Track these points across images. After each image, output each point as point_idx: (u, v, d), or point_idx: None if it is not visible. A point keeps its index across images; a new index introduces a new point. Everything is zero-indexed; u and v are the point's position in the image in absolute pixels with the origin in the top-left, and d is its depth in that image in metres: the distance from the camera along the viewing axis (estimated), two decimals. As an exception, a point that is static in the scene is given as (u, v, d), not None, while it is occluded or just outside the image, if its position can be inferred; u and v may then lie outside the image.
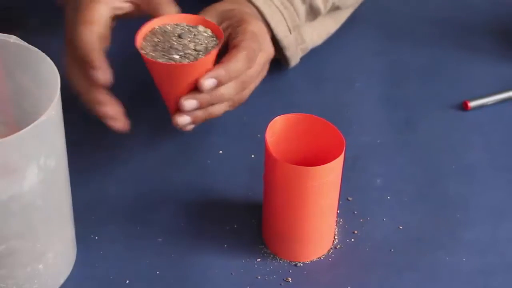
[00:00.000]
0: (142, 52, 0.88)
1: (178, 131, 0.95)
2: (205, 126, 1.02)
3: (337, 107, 1.08)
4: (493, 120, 1.07)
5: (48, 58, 0.79)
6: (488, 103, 1.09)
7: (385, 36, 1.21)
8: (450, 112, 1.08)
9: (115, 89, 1.07)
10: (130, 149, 1.01)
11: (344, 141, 0.84)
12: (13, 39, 0.81)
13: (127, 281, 0.87)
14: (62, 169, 0.81)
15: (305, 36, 1.08)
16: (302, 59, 1.11)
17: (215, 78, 0.89)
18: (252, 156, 1.00)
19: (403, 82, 1.13)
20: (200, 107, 0.91)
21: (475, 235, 0.92)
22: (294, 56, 1.08)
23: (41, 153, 0.75)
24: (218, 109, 0.94)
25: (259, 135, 1.00)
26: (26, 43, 0.80)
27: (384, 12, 1.25)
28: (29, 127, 0.72)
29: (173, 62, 0.88)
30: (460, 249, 0.91)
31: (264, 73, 1.00)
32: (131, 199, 0.96)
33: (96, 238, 0.91)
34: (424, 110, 1.09)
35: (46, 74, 0.78)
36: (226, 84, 0.92)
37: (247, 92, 0.96)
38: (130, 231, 0.92)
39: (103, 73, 0.89)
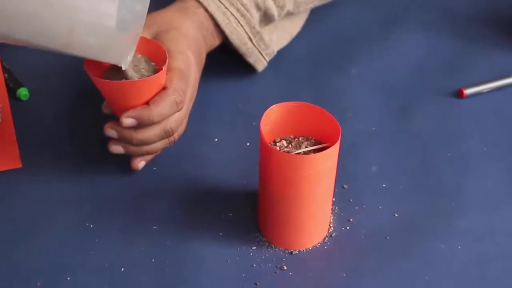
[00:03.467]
0: (88, 71, 0.87)
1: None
2: (200, 114, 1.02)
3: (332, 94, 1.08)
4: (489, 108, 1.07)
5: None
6: (484, 91, 1.09)
7: (382, 23, 1.20)
8: (446, 100, 1.08)
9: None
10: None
11: (340, 129, 0.84)
12: None
13: (122, 269, 0.87)
14: None
15: (267, 41, 1.06)
16: (297, 46, 1.11)
17: (136, 118, 0.88)
18: (248, 144, 1.00)
19: (399, 69, 1.13)
20: (123, 140, 0.91)
21: (470, 223, 0.93)
22: (259, 61, 1.07)
23: None
24: (154, 147, 0.93)
25: (254, 123, 1.00)
26: None
27: (380, -1, 1.25)
28: None
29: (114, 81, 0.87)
30: (455, 237, 0.91)
31: (194, 96, 0.96)
32: (126, 187, 0.96)
33: (91, 226, 0.91)
34: (420, 97, 1.09)
35: None
36: (150, 128, 0.90)
37: (181, 130, 0.94)
38: (125, 219, 0.92)
39: None
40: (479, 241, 0.91)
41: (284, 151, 0.86)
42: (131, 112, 0.88)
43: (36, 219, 0.92)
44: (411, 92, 1.09)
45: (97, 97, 1.06)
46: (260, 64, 1.07)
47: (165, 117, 0.90)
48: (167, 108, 0.89)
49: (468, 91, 1.08)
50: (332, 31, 1.16)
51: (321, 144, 0.88)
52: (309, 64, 1.13)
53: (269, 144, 0.85)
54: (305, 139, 0.89)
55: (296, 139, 0.89)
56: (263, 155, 0.85)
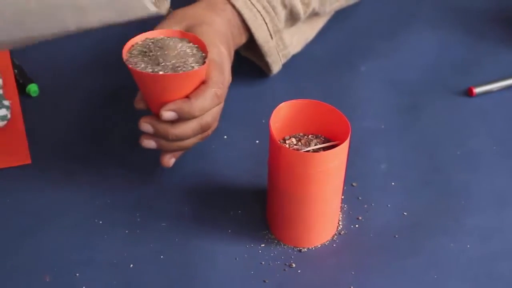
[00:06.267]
0: (128, 64, 0.87)
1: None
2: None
3: (342, 92, 1.08)
4: (498, 107, 1.07)
5: None
6: (493, 90, 1.09)
7: (391, 21, 1.20)
8: (455, 98, 1.08)
9: (125, 85, 1.08)
10: (134, 134, 1.01)
11: (350, 127, 0.84)
12: None
13: (131, 265, 0.87)
14: None
15: (286, 42, 1.05)
16: (307, 44, 1.11)
17: (176, 112, 0.86)
18: (257, 141, 1.00)
19: (409, 67, 1.13)
20: (158, 135, 0.89)
21: (479, 222, 0.92)
22: (276, 62, 1.06)
23: None
24: (187, 143, 0.91)
25: (263, 121, 1.00)
26: None
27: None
28: None
29: (159, 73, 0.85)
30: (464, 236, 0.91)
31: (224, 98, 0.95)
32: (135, 184, 0.96)
33: (100, 222, 0.92)
34: (429, 95, 1.08)
35: None
36: (186, 123, 0.88)
37: (214, 126, 0.93)
38: (134, 216, 0.92)
39: None
40: (488, 239, 0.91)
41: (293, 149, 0.86)
42: (171, 105, 0.86)
43: (46, 215, 0.92)
44: (421, 90, 1.09)
45: (107, 94, 1.06)
46: (276, 66, 1.06)
47: (206, 111, 0.88)
48: (208, 101, 0.87)
49: (478, 90, 1.08)
50: (342, 29, 1.16)
51: (330, 142, 0.88)
52: (318, 61, 1.13)
53: (279, 142, 0.85)
54: (314, 136, 0.89)
55: (306, 136, 0.89)
56: (273, 152, 0.85)
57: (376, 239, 0.91)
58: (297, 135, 0.89)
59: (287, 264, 0.88)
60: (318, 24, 1.13)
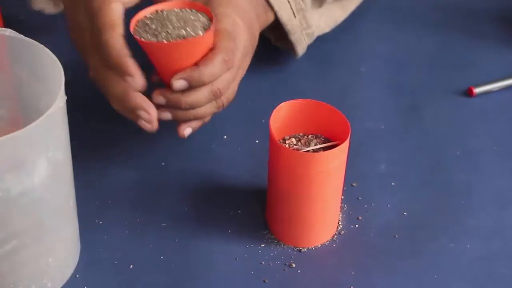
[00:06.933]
0: (135, 35, 0.87)
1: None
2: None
3: (342, 92, 1.08)
4: (498, 107, 1.07)
5: (47, 50, 0.78)
6: (493, 90, 1.09)
7: (391, 21, 1.20)
8: (455, 98, 1.08)
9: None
10: (134, 133, 1.01)
11: (350, 127, 0.84)
12: (8, 32, 0.80)
13: (131, 266, 0.87)
14: (68, 161, 0.81)
15: (310, 21, 1.05)
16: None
17: (186, 80, 0.87)
18: (257, 141, 1.00)
19: (409, 67, 1.13)
20: (171, 106, 0.89)
21: (479, 222, 0.92)
22: (300, 41, 1.05)
23: (50, 146, 0.75)
24: (202, 111, 0.91)
25: (263, 120, 1.00)
26: (22, 36, 0.79)
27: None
28: (39, 120, 0.71)
29: (164, 42, 0.85)
30: (464, 236, 0.91)
31: (246, 66, 0.95)
32: (135, 184, 0.96)
33: (100, 222, 0.91)
34: (429, 96, 1.08)
35: (46, 66, 0.77)
36: (197, 90, 0.88)
37: (229, 95, 0.92)
38: (134, 216, 0.92)
39: (139, 79, 0.87)
40: (488, 239, 0.91)
41: (293, 149, 0.86)
42: (181, 74, 0.87)
43: (45, 215, 0.92)
44: (421, 90, 1.09)
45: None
46: (300, 46, 1.06)
47: (216, 77, 0.88)
48: (217, 68, 0.87)
49: (477, 90, 1.08)
50: (341, 29, 1.16)
51: (330, 142, 0.88)
52: (318, 61, 1.13)
53: (278, 142, 0.85)
54: (314, 137, 0.89)
55: (306, 136, 0.89)
56: (272, 152, 0.85)
57: (376, 239, 0.91)
58: (297, 135, 0.89)
59: (287, 264, 0.88)
60: (350, 5, 1.12)
